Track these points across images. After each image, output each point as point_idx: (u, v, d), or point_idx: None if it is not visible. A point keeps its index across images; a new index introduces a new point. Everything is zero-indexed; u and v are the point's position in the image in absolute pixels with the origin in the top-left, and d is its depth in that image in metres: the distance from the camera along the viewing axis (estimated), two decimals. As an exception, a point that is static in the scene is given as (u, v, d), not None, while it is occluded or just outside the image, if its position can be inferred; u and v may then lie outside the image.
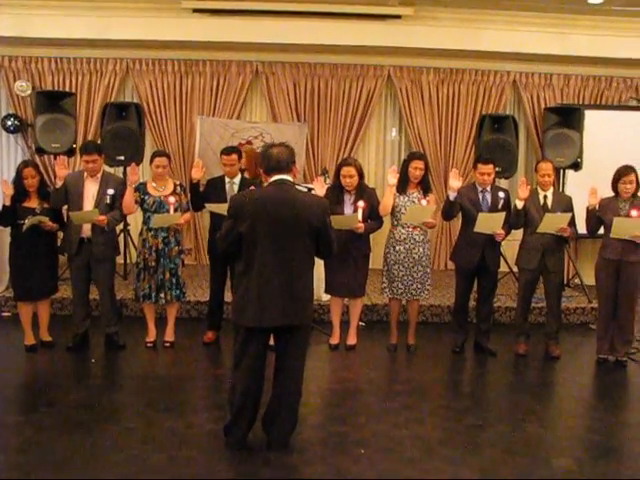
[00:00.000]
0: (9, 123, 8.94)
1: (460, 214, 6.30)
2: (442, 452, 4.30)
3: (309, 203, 4.15)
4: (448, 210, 6.21)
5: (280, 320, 4.07)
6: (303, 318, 4.17)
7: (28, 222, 5.80)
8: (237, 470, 4.06)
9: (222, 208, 5.61)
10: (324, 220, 4.14)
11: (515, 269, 6.93)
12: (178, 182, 6.43)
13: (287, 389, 4.23)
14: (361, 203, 6.02)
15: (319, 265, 6.46)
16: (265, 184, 4.22)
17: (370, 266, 6.47)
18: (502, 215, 6.05)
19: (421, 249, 6.23)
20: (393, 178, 6.18)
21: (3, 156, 9.31)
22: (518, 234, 6.42)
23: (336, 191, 6.21)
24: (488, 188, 6.21)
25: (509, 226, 6.19)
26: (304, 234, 4.07)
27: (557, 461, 4.23)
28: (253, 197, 4.19)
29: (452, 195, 6.09)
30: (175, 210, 6.05)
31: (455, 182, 6.07)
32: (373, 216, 6.21)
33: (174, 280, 6.23)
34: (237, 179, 6.40)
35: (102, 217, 5.89)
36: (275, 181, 4.12)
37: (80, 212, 5.94)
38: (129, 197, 6.03)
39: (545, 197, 6.23)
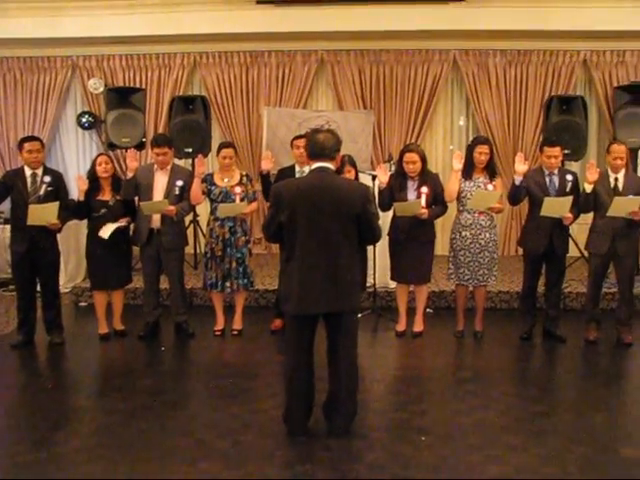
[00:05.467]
0: (84, 120, 9.28)
1: (527, 199, 6.17)
2: (505, 439, 4.24)
3: (349, 189, 4.14)
4: (514, 195, 6.09)
5: (323, 307, 4.09)
6: (348, 304, 4.16)
7: (107, 231, 5.98)
8: (297, 454, 4.10)
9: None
10: (364, 206, 4.08)
11: (586, 254, 6.75)
12: (244, 173, 6.53)
13: (341, 376, 4.24)
14: (424, 189, 5.97)
15: (385, 252, 6.51)
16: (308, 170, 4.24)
17: (436, 252, 6.43)
18: (569, 199, 5.87)
19: (487, 234, 6.16)
20: (458, 163, 6.12)
21: (79, 152, 9.66)
22: (590, 217, 6.19)
23: (399, 178, 6.17)
24: (555, 171, 6.06)
25: (578, 210, 6.01)
26: (344, 221, 4.04)
27: (624, 450, 4.11)
28: (292, 186, 4.24)
29: (518, 179, 5.98)
30: (241, 200, 6.13)
31: (521, 166, 5.95)
32: (437, 202, 6.15)
33: (241, 269, 6.31)
34: (307, 168, 6.38)
35: (171, 207, 6.03)
36: (315, 169, 4.13)
37: (150, 202, 6.09)
38: (196, 188, 6.15)
39: (616, 179, 5.99)
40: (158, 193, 6.16)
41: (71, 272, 7.98)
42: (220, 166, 6.36)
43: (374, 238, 4.33)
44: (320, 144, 4.11)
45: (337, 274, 4.07)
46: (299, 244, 4.06)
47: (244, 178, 6.35)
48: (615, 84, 8.77)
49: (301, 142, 6.32)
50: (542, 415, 4.62)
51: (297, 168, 6.41)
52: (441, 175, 6.58)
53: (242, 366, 5.69)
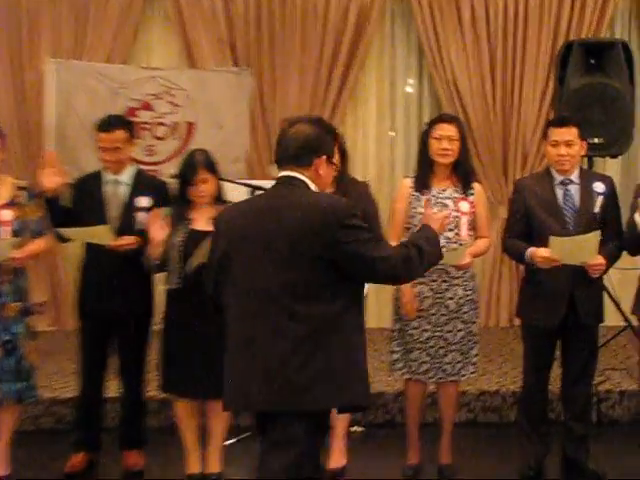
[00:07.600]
0: None
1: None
2: None
3: (316, 208, 4.18)
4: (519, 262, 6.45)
5: (264, 403, 4.13)
6: (341, 400, 4.16)
7: None
8: None
9: (96, 233, 5.92)
10: (334, 236, 4.06)
11: (635, 321, 6.85)
12: (22, 184, 6.43)
13: None
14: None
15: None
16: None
17: (370, 324, 6.44)
18: (596, 235, 5.74)
19: (460, 291, 6.23)
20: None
21: None
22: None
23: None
24: (573, 176, 6.11)
25: (618, 248, 6.05)
26: (307, 262, 4.09)
27: None
28: (234, 208, 4.59)
29: (534, 262, 5.96)
30: (14, 234, 6.08)
31: (542, 252, 5.85)
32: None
33: (12, 363, 6.22)
34: (127, 175, 6.50)
35: None
36: (278, 180, 4.32)
37: None
38: None
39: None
40: None
41: None
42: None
43: (374, 275, 4.28)
44: (284, 142, 4.28)
45: (300, 355, 4.04)
46: (236, 301, 4.21)
47: (21, 195, 6.28)
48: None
49: (110, 135, 6.36)
50: None
51: (107, 176, 6.46)
52: (375, 183, 6.76)
53: None
